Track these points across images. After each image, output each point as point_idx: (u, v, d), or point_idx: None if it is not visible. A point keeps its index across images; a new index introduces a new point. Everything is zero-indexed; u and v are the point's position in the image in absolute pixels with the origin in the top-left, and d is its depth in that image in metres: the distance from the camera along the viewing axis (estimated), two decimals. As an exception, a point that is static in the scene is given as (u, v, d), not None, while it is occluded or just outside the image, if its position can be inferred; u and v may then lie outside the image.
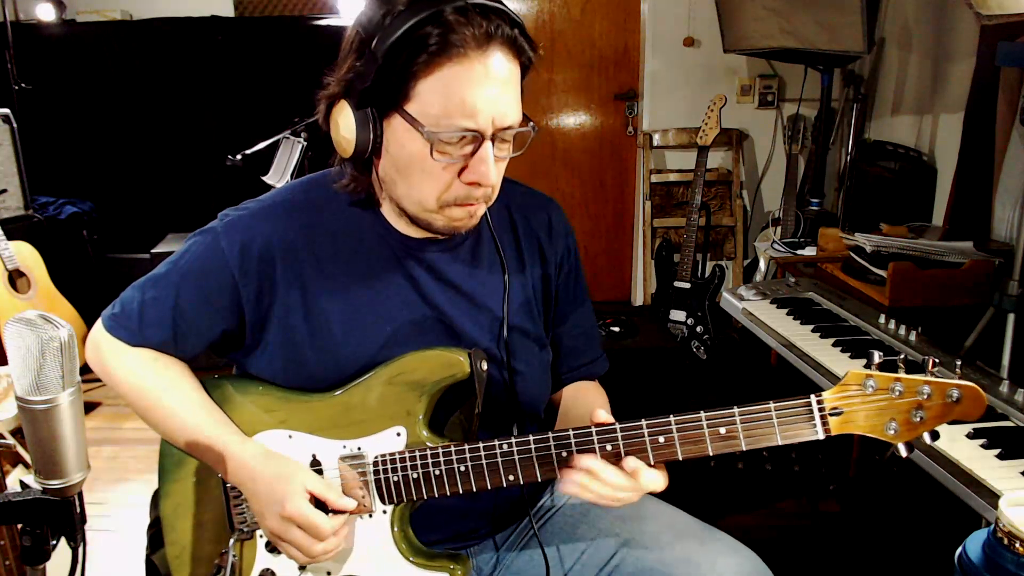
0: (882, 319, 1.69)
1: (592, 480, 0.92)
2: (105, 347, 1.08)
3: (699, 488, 2.29)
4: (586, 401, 1.19)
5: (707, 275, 3.34)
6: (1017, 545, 0.74)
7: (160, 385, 1.06)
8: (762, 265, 3.34)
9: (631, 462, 0.91)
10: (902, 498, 2.21)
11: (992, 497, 1.08)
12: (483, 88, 0.90)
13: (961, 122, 2.48)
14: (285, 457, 1.02)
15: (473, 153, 0.93)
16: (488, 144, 0.92)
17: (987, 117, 2.27)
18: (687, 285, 3.35)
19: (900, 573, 2.05)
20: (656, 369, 2.94)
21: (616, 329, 3.10)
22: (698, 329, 3.31)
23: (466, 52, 0.88)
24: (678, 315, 3.37)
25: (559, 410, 1.21)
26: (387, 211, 1.06)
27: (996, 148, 2.22)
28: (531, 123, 0.97)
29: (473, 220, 1.00)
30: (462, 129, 0.91)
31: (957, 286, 1.80)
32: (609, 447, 0.92)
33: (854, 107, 3.35)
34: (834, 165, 3.58)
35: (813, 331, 1.73)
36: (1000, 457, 1.18)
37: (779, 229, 3.52)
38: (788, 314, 1.85)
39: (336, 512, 0.98)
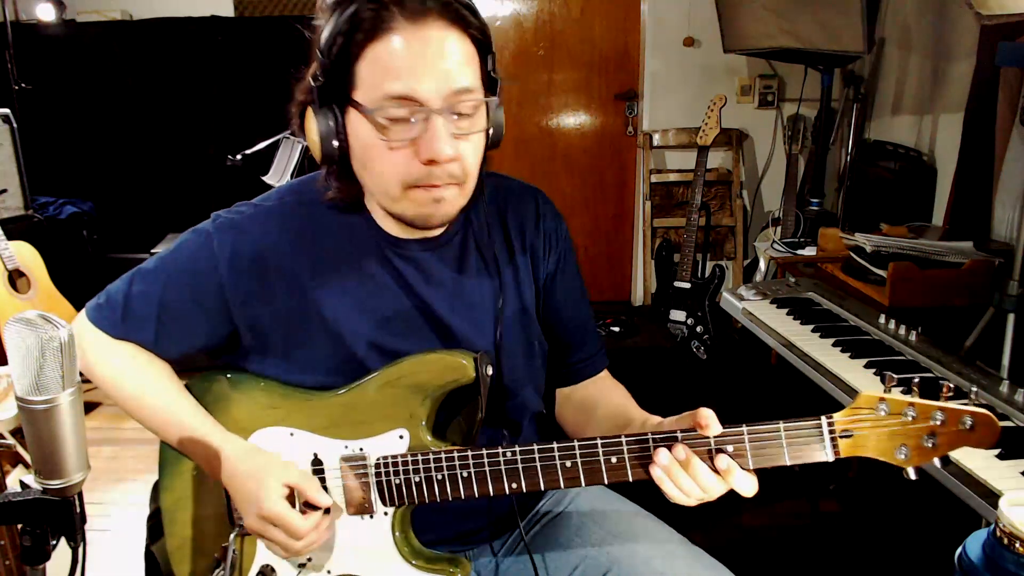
0: (882, 319, 1.69)
1: (680, 471, 0.89)
2: (87, 338, 1.07)
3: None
4: (622, 403, 1.16)
5: (707, 275, 3.34)
6: (1017, 545, 0.74)
7: (141, 383, 1.07)
8: (762, 265, 3.34)
9: (723, 461, 0.88)
10: (902, 498, 2.21)
11: (992, 497, 1.08)
12: (420, 58, 0.89)
13: (961, 122, 2.47)
14: (264, 453, 1.02)
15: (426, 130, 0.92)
16: (438, 118, 0.90)
17: (987, 117, 2.27)
18: (687, 285, 3.35)
19: (900, 573, 2.05)
20: (656, 369, 2.94)
21: (616, 329, 3.11)
22: (698, 329, 3.31)
23: (397, 26, 0.89)
24: (678, 315, 3.37)
25: (587, 411, 1.18)
26: (374, 210, 1.05)
27: (996, 148, 2.22)
28: (495, 97, 0.95)
29: (442, 207, 0.96)
30: (400, 99, 0.90)
31: (957, 286, 1.80)
32: (614, 460, 0.91)
33: (854, 107, 3.34)
34: (834, 165, 3.58)
35: (813, 331, 1.73)
36: (1000, 457, 1.18)
37: (779, 229, 3.52)
38: (788, 314, 1.85)
39: (312, 508, 0.98)
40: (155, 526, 1.12)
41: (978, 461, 1.17)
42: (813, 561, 2.12)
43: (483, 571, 1.16)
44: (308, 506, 0.98)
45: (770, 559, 2.12)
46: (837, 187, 3.50)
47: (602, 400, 1.18)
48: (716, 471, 0.89)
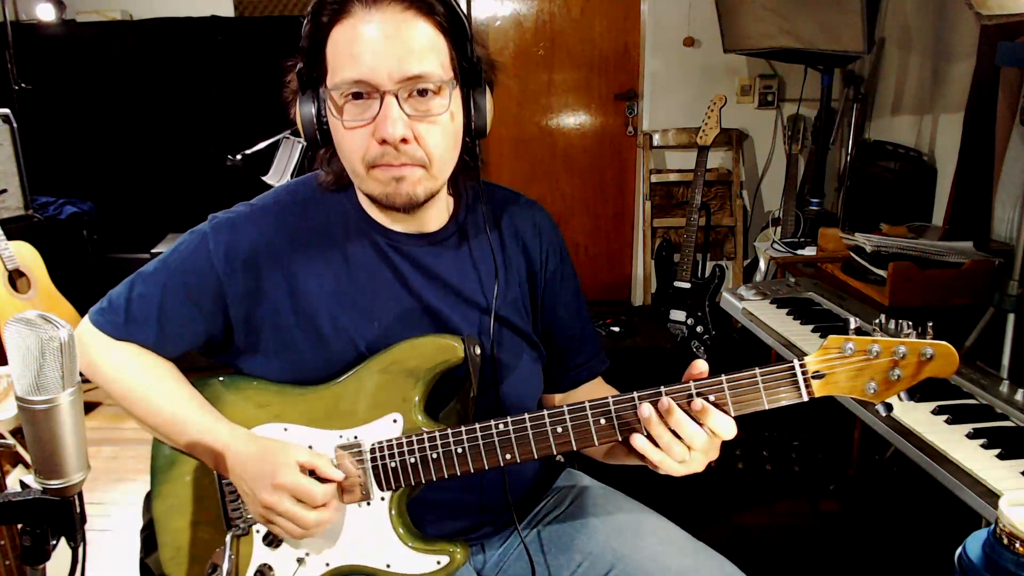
0: (882, 319, 1.69)
1: (662, 426, 0.90)
2: (90, 340, 1.08)
3: (699, 488, 2.29)
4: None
5: (707, 275, 3.34)
6: (1017, 545, 0.74)
7: (146, 381, 1.07)
8: (762, 265, 3.34)
9: (697, 403, 0.90)
10: (902, 498, 2.21)
11: (992, 497, 1.08)
12: (372, 42, 0.91)
13: (961, 122, 2.47)
14: (272, 438, 1.03)
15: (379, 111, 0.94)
16: (389, 99, 0.92)
17: (987, 117, 2.27)
18: (687, 285, 3.35)
19: (900, 573, 2.06)
20: (656, 369, 2.94)
21: (616, 329, 3.10)
22: (698, 329, 3.31)
23: (353, 10, 0.92)
24: (678, 315, 3.37)
25: None
26: (367, 204, 1.06)
27: (996, 148, 2.22)
28: (454, 81, 0.96)
29: (404, 187, 0.97)
30: (352, 82, 0.92)
31: (957, 286, 1.80)
32: (603, 420, 0.93)
33: (854, 107, 3.34)
34: (834, 165, 3.58)
35: (813, 331, 1.73)
36: (1000, 457, 1.18)
37: (779, 229, 3.52)
38: (788, 314, 1.85)
39: (327, 481, 0.98)
40: (149, 537, 1.12)
41: (978, 461, 1.17)
42: (813, 561, 2.13)
43: (483, 569, 1.16)
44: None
45: (770, 559, 2.13)
46: (837, 187, 3.50)
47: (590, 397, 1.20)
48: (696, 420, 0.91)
